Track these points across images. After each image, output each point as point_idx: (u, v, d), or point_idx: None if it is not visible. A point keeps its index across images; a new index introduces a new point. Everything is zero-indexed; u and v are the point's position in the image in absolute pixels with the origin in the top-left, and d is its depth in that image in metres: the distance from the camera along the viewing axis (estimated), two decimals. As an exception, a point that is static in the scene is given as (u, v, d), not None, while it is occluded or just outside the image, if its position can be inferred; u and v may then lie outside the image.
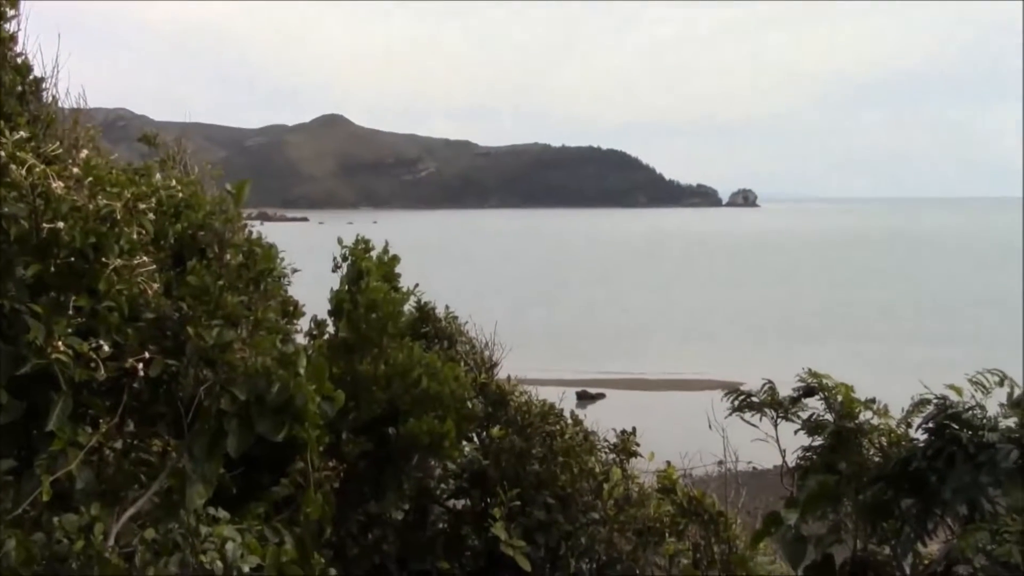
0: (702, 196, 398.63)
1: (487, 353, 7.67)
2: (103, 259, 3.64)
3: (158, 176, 4.20)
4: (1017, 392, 4.43)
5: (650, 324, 65.11)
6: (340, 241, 6.52)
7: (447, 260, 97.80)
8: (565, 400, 7.86)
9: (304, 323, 6.14)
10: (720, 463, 9.39)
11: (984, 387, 4.46)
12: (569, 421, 7.05)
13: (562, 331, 59.85)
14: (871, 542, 4.77)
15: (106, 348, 3.52)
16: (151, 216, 3.90)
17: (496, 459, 6.69)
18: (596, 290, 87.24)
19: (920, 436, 4.58)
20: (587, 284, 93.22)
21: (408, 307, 7.05)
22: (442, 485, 6.93)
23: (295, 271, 6.57)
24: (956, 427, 4.38)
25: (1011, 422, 4.32)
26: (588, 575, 6.58)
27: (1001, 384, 4.47)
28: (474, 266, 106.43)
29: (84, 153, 3.94)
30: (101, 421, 3.70)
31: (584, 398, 40.36)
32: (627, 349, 55.15)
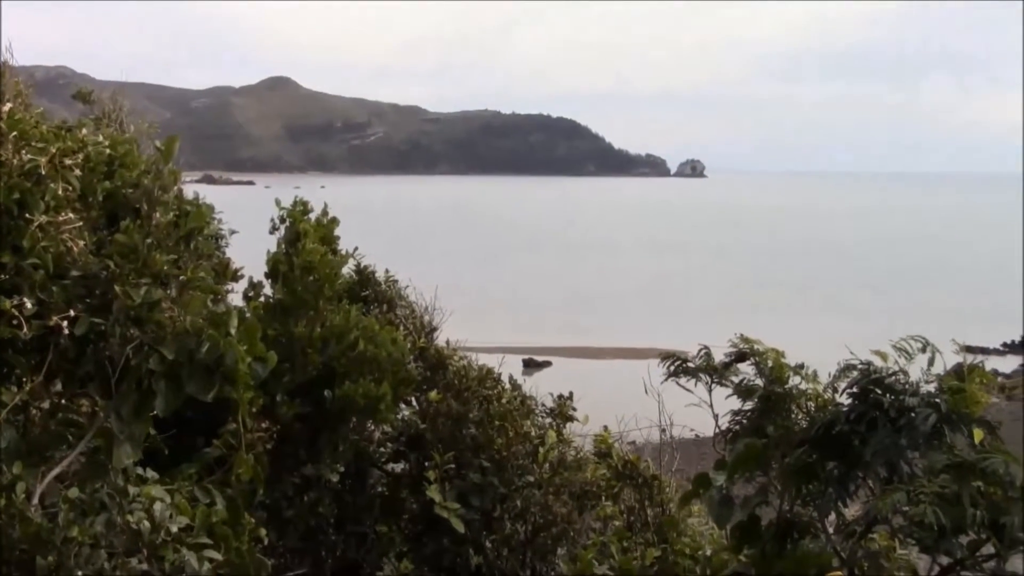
0: (651, 166, 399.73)
1: (427, 318, 7.68)
2: (27, 215, 3.58)
3: (85, 131, 4.11)
4: (940, 360, 4.54)
5: (600, 293, 65.44)
6: (278, 203, 6.48)
7: (392, 225, 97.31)
8: (510, 367, 7.89)
9: (244, 285, 6.11)
10: (660, 429, 9.51)
11: (907, 353, 4.56)
12: (507, 386, 7.10)
13: (510, 299, 59.94)
14: (796, 503, 4.88)
15: (29, 305, 3.47)
16: (78, 172, 3.84)
17: (433, 423, 6.71)
18: (545, 259, 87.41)
19: (845, 401, 4.68)
20: (536, 253, 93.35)
21: (347, 270, 7.03)
22: (380, 448, 6.95)
23: (233, 232, 6.51)
24: (879, 392, 4.48)
25: (931, 387, 4.43)
26: (523, 536, 6.65)
27: (923, 351, 4.58)
28: (420, 232, 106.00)
29: (8, 107, 3.85)
30: (25, 380, 3.65)
31: (531, 365, 40.60)
32: (576, 318, 55.38)
